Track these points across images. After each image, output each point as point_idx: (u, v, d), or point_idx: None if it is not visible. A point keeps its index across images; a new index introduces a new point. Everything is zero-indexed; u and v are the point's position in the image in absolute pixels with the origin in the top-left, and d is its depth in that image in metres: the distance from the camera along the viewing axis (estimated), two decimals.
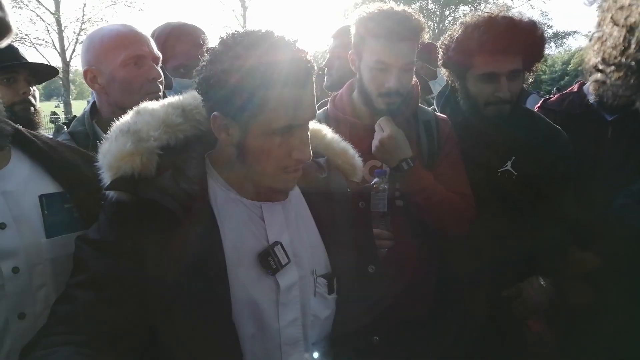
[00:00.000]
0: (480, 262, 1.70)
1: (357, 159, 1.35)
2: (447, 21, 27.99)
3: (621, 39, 0.36)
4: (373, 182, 1.53)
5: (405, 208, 1.65)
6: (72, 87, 27.46)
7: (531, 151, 1.75)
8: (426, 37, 1.62)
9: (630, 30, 0.35)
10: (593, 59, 0.41)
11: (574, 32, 28.45)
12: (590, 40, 0.42)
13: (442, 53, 1.82)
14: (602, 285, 1.79)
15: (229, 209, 1.10)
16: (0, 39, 1.06)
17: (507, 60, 1.67)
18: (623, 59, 0.36)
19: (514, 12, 1.74)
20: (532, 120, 1.88)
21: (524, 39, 1.66)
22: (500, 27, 1.64)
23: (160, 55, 1.68)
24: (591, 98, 1.95)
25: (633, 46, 0.35)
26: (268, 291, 1.09)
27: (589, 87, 1.98)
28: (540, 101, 2.32)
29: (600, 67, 0.40)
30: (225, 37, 1.03)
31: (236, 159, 1.09)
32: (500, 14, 1.69)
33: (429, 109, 1.92)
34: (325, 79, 2.52)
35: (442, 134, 1.72)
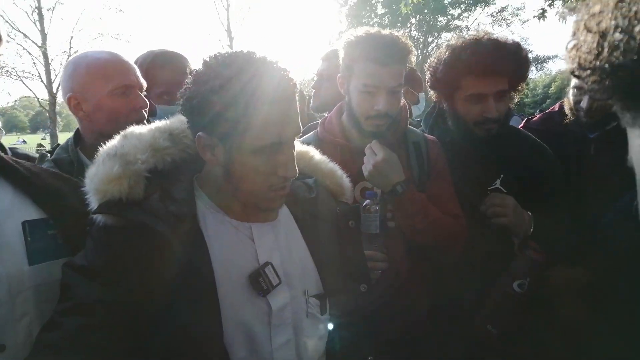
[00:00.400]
0: (474, 281, 1.69)
1: (345, 180, 1.35)
2: (430, 47, 28.63)
3: (595, 44, 0.37)
4: (364, 203, 1.53)
5: (397, 229, 1.64)
6: (58, 119, 27.39)
7: (519, 168, 1.77)
8: (413, 60, 1.65)
9: (603, 35, 0.36)
10: (570, 66, 0.42)
11: (554, 56, 29.34)
12: (566, 49, 0.44)
13: (429, 75, 1.84)
14: (594, 301, 1.79)
15: (218, 230, 1.09)
16: None
17: (494, 81, 1.69)
18: (597, 63, 0.37)
19: (499, 35, 1.77)
20: (518, 138, 1.90)
21: (510, 60, 1.69)
22: (487, 49, 1.67)
23: (144, 83, 1.68)
24: (576, 114, 1.99)
25: (606, 50, 0.36)
26: (259, 313, 1.07)
27: (568, 97, 2.02)
28: (523, 121, 2.37)
29: (577, 72, 0.41)
30: (207, 59, 1.04)
31: (222, 179, 1.08)
32: (485, 37, 1.72)
33: (418, 130, 1.94)
34: (311, 101, 2.54)
35: (431, 155, 1.73)
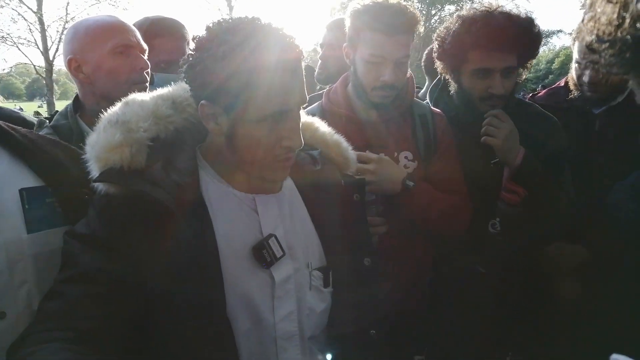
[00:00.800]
0: (478, 255, 1.69)
1: (351, 152, 1.33)
2: (433, 20, 28.16)
3: (615, 14, 0.35)
4: None
5: (397, 205, 1.63)
6: (55, 86, 27.09)
7: (523, 138, 1.74)
8: (421, 30, 1.60)
9: (625, 5, 0.34)
10: (587, 38, 0.40)
11: (559, 31, 28.92)
12: (582, 21, 0.41)
13: (437, 45, 1.79)
14: (592, 279, 1.79)
15: (221, 201, 1.07)
16: None
17: (502, 57, 1.64)
18: (619, 34, 0.35)
19: (512, 9, 1.72)
20: (521, 107, 1.87)
21: (521, 36, 1.63)
22: (498, 22, 1.61)
23: (146, 46, 1.65)
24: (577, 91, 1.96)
25: (628, 20, 0.34)
26: (263, 285, 1.06)
27: (571, 72, 1.98)
28: (528, 97, 2.34)
29: (594, 45, 0.39)
30: (211, 25, 1.00)
31: (226, 148, 1.06)
32: (497, 9, 1.66)
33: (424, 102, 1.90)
34: (316, 72, 2.50)
35: (438, 129, 1.71)
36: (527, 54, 1.71)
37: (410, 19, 1.52)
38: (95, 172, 1.00)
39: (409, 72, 1.72)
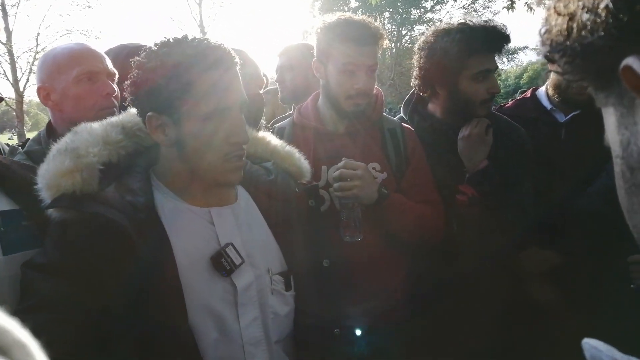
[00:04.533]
0: (453, 259, 1.73)
1: (304, 161, 1.38)
2: (403, 40, 28.80)
3: (564, 25, 0.39)
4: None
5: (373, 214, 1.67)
6: (26, 118, 26.64)
7: (494, 148, 1.83)
8: (385, 43, 1.70)
9: (572, 17, 0.38)
10: (544, 49, 0.44)
11: (524, 47, 29.78)
12: (539, 34, 0.46)
13: (422, 65, 1.86)
14: (565, 283, 1.85)
15: (177, 217, 1.10)
16: None
17: (493, 58, 1.79)
18: (568, 43, 0.39)
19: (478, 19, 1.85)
20: (492, 118, 1.94)
21: (504, 38, 1.77)
22: (493, 28, 1.75)
23: (115, 71, 1.67)
24: (545, 102, 2.05)
25: (575, 30, 0.38)
26: (225, 293, 1.09)
27: (546, 87, 2.08)
28: (497, 107, 2.42)
29: (550, 55, 0.43)
30: (145, 47, 1.07)
31: (178, 159, 1.10)
32: (475, 19, 1.80)
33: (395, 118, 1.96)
34: (279, 93, 2.66)
35: (408, 143, 1.77)
36: (499, 55, 1.84)
37: (376, 31, 1.62)
38: (47, 200, 1.01)
39: (378, 88, 1.79)
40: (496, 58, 1.80)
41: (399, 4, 27.39)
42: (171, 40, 1.05)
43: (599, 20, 0.37)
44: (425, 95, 1.94)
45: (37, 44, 20.88)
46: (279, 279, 1.17)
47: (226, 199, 1.18)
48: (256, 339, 1.10)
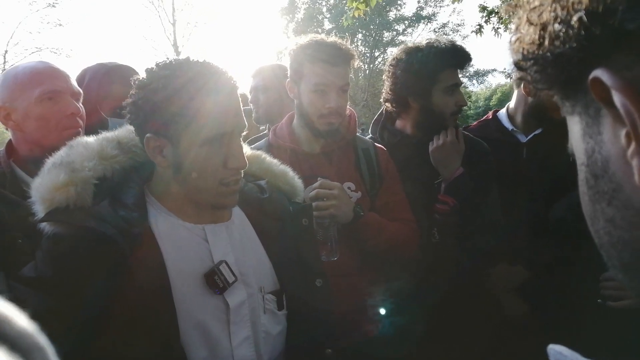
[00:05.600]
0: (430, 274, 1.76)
1: (297, 180, 1.39)
2: (377, 62, 29.25)
3: (536, 35, 0.41)
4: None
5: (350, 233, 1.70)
6: None
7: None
8: (357, 63, 1.76)
9: (544, 27, 0.40)
10: (515, 57, 0.46)
11: (493, 70, 30.62)
12: (510, 43, 0.48)
13: (396, 80, 1.93)
14: (532, 297, 1.90)
15: (171, 233, 1.09)
16: None
17: (458, 74, 1.90)
18: (539, 52, 0.41)
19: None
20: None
21: (468, 56, 1.90)
22: (456, 46, 1.88)
23: (80, 91, 1.64)
24: (506, 124, 2.13)
25: (547, 40, 0.40)
26: (217, 311, 1.08)
27: (507, 109, 2.16)
28: (463, 127, 2.49)
29: (521, 63, 0.45)
30: (149, 68, 1.07)
31: (174, 180, 1.09)
32: (441, 39, 1.91)
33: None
34: (253, 114, 2.67)
35: (381, 162, 1.81)
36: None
37: (347, 52, 1.67)
38: (41, 213, 1.00)
39: (351, 109, 1.83)
40: (466, 80, 1.92)
41: (371, 27, 27.86)
42: (173, 62, 1.05)
43: (571, 31, 0.37)
44: (395, 110, 2.01)
45: (5, 61, 20.42)
46: (271, 298, 1.17)
47: (220, 217, 1.18)
48: (247, 358, 1.09)
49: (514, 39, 0.45)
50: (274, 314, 1.17)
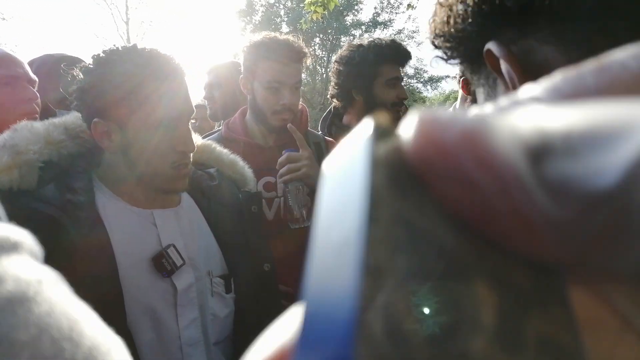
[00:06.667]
0: None
1: (247, 170, 1.42)
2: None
3: (445, 15, 0.47)
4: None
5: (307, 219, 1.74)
6: None
7: None
8: (309, 62, 1.80)
9: (450, 7, 0.46)
10: (430, 37, 0.52)
11: (446, 77, 31.45)
12: (427, 24, 0.54)
13: (340, 74, 2.03)
14: None
15: (118, 217, 1.10)
16: None
17: (400, 69, 2.02)
18: (446, 29, 0.47)
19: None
20: None
21: (407, 54, 2.03)
22: (396, 42, 2.02)
23: (35, 78, 1.63)
24: None
25: (452, 20, 0.46)
26: (165, 294, 1.09)
27: (455, 107, 2.28)
28: None
29: (434, 41, 0.51)
30: (95, 54, 1.09)
31: (123, 165, 1.10)
32: (382, 37, 2.04)
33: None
34: (208, 111, 2.71)
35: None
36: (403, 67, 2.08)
37: (299, 49, 1.72)
38: None
39: (303, 105, 1.88)
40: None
41: (329, 31, 28.11)
42: (120, 49, 1.07)
43: (469, 10, 0.43)
44: (342, 105, 2.10)
45: None
46: (219, 282, 1.19)
47: (169, 202, 1.19)
48: (194, 340, 1.11)
49: (430, 20, 0.51)
50: (222, 297, 1.19)
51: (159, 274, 1.08)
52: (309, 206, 1.61)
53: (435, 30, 0.50)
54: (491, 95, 0.46)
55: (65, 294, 0.23)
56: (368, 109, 2.01)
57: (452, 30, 0.46)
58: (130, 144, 1.07)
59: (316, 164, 1.68)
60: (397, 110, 2.01)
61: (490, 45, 0.41)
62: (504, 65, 0.40)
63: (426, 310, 0.10)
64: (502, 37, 0.41)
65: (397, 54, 2.00)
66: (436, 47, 0.52)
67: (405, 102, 2.06)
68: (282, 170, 1.62)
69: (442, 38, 0.49)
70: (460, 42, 0.46)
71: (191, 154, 1.15)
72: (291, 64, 1.70)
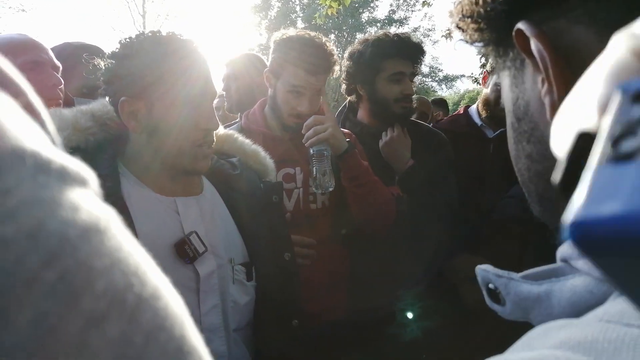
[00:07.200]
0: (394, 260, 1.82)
1: (269, 160, 1.43)
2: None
3: None
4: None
5: (326, 210, 1.75)
6: None
7: (421, 154, 1.97)
8: (337, 69, 1.78)
9: None
10: (455, 19, 0.51)
11: (462, 76, 31.26)
12: (450, 11, 0.53)
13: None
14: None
15: (142, 204, 1.11)
16: None
17: (408, 64, 1.95)
18: (475, 8, 0.46)
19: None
20: (415, 126, 2.10)
21: (416, 47, 1.97)
22: (400, 37, 1.95)
23: (59, 64, 1.64)
24: (476, 119, 2.21)
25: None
26: (188, 280, 1.10)
27: (477, 105, 2.25)
28: (434, 123, 2.58)
29: (461, 24, 0.50)
30: (121, 40, 1.11)
31: (147, 147, 1.12)
32: (392, 32, 2.00)
33: None
34: (225, 104, 2.70)
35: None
36: (418, 63, 2.01)
37: (330, 58, 1.69)
38: None
39: (323, 99, 1.87)
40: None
41: (344, 28, 28.04)
42: (146, 34, 1.10)
43: None
44: (351, 98, 2.09)
45: None
46: (240, 269, 1.20)
47: (192, 190, 1.20)
48: (214, 326, 1.12)
49: (455, 4, 0.50)
50: (243, 285, 1.20)
51: (181, 260, 1.09)
52: (332, 172, 1.61)
53: (462, 10, 0.49)
54: (517, 78, 0.45)
55: (129, 235, 0.24)
56: (372, 104, 2.00)
57: (481, 10, 0.45)
58: (156, 122, 1.09)
59: (340, 129, 1.68)
60: (402, 106, 1.95)
61: (521, 25, 0.41)
62: (535, 45, 0.39)
63: None
64: (533, 16, 0.41)
65: (402, 48, 1.94)
66: (461, 30, 0.51)
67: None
68: (308, 133, 1.63)
69: (469, 19, 0.48)
70: (489, 22, 0.45)
71: (214, 135, 1.17)
72: (319, 74, 1.68)
